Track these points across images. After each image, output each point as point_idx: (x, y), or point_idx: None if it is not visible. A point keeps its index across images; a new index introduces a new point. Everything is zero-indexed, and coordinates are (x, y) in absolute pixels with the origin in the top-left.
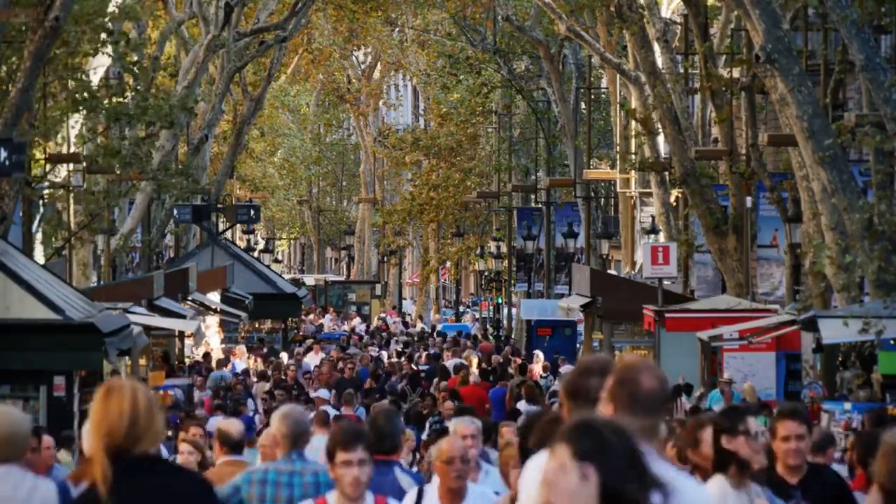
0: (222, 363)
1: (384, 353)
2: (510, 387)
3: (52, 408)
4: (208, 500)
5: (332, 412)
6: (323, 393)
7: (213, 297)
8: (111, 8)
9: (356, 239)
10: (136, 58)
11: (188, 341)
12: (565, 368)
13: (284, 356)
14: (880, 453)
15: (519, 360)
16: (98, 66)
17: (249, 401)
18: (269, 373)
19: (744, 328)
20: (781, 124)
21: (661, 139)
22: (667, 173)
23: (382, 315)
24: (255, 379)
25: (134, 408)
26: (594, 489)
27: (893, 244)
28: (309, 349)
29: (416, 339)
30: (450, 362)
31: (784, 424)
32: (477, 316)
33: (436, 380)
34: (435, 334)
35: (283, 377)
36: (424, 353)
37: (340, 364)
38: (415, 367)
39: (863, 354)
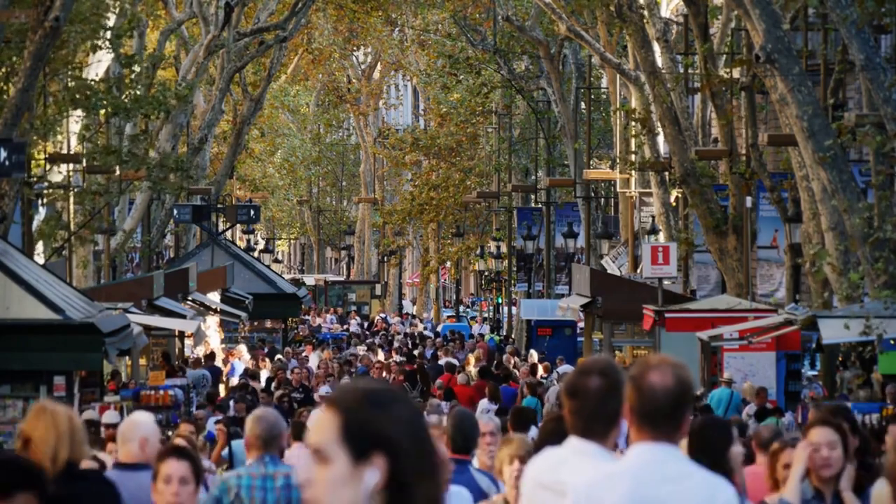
0: (198, 363)
1: (381, 353)
2: (520, 387)
3: None
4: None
5: None
6: (326, 390)
7: (213, 297)
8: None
9: (356, 239)
10: (134, 49)
11: (188, 341)
12: (563, 368)
13: (278, 357)
14: (890, 446)
15: (514, 360)
16: (96, 63)
17: None
18: (261, 372)
19: (744, 328)
20: (781, 124)
21: (661, 139)
22: (667, 173)
23: (382, 315)
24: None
25: (71, 426)
26: (336, 424)
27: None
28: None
29: (415, 338)
30: (443, 361)
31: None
32: (478, 316)
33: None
34: (434, 335)
35: (286, 377)
36: (416, 353)
37: (337, 365)
38: (411, 367)
39: (863, 356)
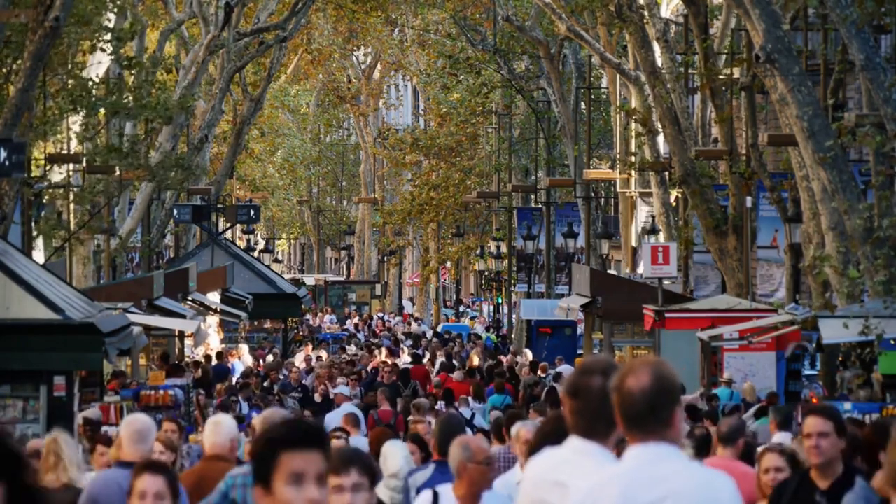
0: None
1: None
2: (524, 385)
3: (52, 408)
4: None
5: (354, 410)
6: (343, 389)
7: (213, 297)
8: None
9: (356, 239)
10: (134, 52)
11: (188, 341)
12: (563, 368)
13: (271, 358)
14: (891, 444)
15: (507, 360)
16: (97, 63)
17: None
18: (256, 371)
19: (744, 328)
20: (781, 124)
21: (661, 139)
22: (667, 173)
23: (380, 314)
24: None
25: None
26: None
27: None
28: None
29: (417, 339)
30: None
31: (809, 421)
32: (479, 316)
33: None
34: (434, 335)
35: (280, 377)
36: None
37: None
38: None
39: (863, 358)
